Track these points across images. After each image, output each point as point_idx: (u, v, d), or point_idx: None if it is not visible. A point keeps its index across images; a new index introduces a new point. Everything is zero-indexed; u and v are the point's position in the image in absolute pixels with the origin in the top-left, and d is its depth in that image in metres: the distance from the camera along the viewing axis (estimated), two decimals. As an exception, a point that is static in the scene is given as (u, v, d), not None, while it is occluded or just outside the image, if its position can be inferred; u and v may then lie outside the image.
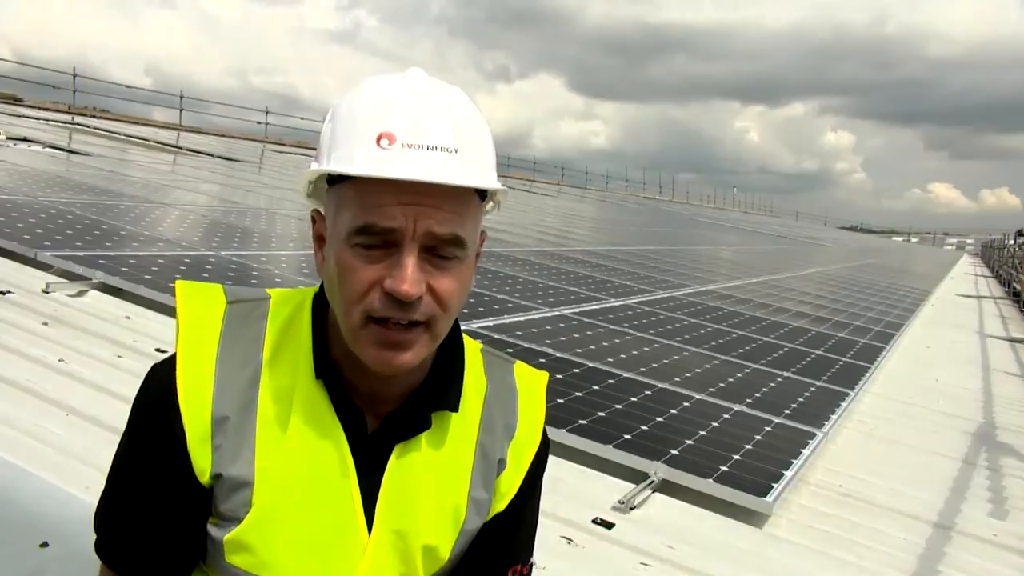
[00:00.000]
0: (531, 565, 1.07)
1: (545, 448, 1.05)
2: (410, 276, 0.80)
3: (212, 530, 0.90)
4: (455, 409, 0.95)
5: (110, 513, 0.93)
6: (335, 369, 0.90)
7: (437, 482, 0.94)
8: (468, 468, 0.96)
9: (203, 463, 0.87)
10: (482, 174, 0.84)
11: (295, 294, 0.96)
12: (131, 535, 0.92)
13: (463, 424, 0.96)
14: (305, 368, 0.90)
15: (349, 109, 0.84)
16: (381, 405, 0.92)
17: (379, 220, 0.80)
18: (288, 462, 0.88)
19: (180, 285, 0.94)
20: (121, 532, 0.92)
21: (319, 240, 0.91)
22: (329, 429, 0.89)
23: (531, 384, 1.05)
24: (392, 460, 0.92)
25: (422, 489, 0.93)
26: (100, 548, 0.94)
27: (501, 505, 1.00)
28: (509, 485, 1.00)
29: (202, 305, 0.93)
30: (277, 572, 0.89)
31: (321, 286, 0.92)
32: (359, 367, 0.87)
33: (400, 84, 0.84)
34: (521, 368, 1.06)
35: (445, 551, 0.96)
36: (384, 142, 0.80)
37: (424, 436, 0.93)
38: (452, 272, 0.84)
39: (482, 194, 0.88)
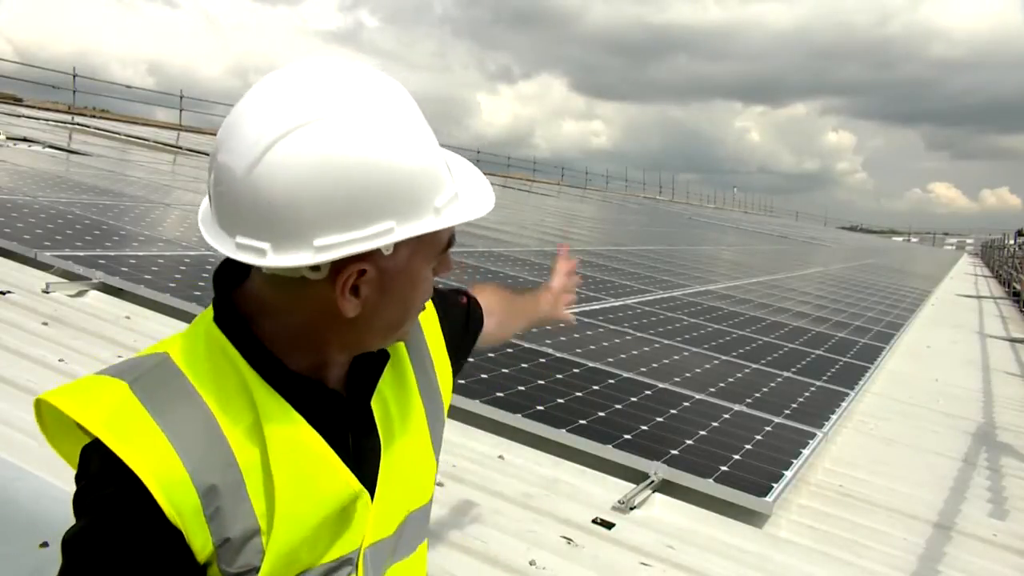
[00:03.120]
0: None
1: (438, 298, 1.13)
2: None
3: None
4: (387, 355, 0.97)
5: None
6: (297, 382, 0.87)
7: (408, 431, 1.00)
8: (416, 391, 1.03)
9: (201, 542, 0.81)
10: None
11: (190, 334, 0.89)
12: None
13: (396, 360, 1.01)
14: (261, 397, 0.85)
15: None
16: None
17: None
18: (285, 493, 0.84)
19: (49, 397, 0.80)
20: None
21: (355, 287, 0.84)
22: (311, 445, 0.86)
23: None
24: (384, 453, 0.95)
25: (406, 452, 0.99)
26: None
27: (447, 372, 1.10)
28: (438, 351, 1.09)
29: (103, 399, 0.81)
30: None
31: (211, 313, 0.87)
32: (322, 367, 0.89)
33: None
34: None
35: (433, 468, 1.05)
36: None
37: (386, 390, 0.98)
38: None
39: None
